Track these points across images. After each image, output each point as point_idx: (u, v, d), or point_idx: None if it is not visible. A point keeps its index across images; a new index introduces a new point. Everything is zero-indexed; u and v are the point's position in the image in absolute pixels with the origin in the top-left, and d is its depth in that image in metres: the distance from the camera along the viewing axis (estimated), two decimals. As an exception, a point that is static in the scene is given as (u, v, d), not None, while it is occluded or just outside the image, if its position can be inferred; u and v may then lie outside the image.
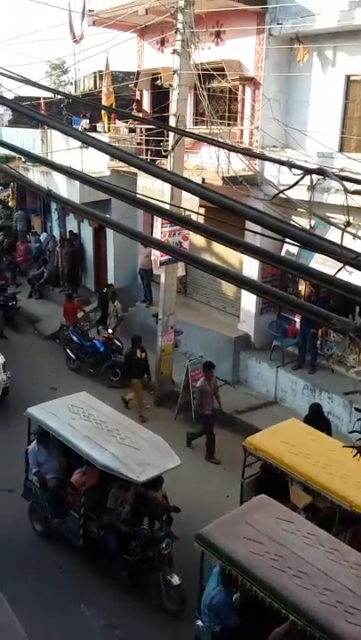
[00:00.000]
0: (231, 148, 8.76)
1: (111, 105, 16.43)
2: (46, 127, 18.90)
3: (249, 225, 3.43)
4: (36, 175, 18.57)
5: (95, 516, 8.22)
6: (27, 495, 9.19)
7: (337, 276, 2.90)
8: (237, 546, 6.05)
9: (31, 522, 9.11)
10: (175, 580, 7.52)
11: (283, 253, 11.76)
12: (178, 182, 3.63)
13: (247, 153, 10.67)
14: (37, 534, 8.99)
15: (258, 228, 3.29)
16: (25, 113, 6.00)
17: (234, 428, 11.94)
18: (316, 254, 9.35)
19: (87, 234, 18.71)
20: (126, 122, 16.13)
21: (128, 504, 8.15)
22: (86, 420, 8.67)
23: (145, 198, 3.96)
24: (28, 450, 9.06)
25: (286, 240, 3.16)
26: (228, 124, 13.03)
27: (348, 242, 3.21)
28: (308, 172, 3.22)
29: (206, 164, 11.92)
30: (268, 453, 8.23)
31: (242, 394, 13.01)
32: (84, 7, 14.35)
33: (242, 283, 3.67)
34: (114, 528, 7.99)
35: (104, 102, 16.15)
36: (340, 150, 11.41)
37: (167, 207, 8.17)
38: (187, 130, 11.60)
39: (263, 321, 13.53)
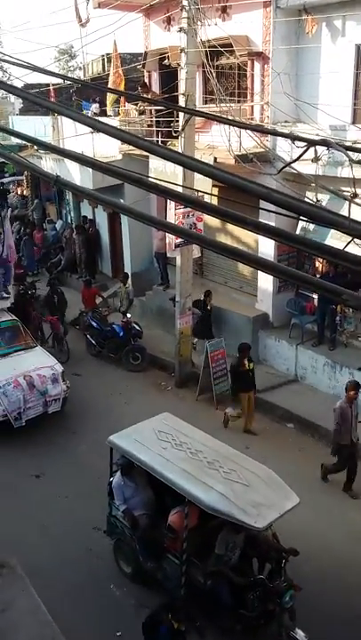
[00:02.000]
0: (239, 125, 8.65)
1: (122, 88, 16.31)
2: (56, 114, 18.85)
3: (263, 203, 3.40)
4: (48, 163, 18.58)
5: (198, 562, 7.17)
6: (111, 532, 8.27)
7: (348, 249, 2.88)
8: None
9: (117, 563, 8.19)
10: (301, 636, 6.57)
11: (298, 230, 11.68)
12: (183, 162, 3.62)
13: (253, 128, 10.54)
14: (126, 576, 8.02)
15: (271, 206, 3.26)
16: (33, 101, 6.00)
17: (256, 406, 11.99)
18: (333, 230, 9.27)
19: (102, 219, 18.72)
20: (136, 104, 16.03)
21: (239, 548, 7.10)
22: (179, 450, 7.57)
23: (155, 181, 3.95)
24: (112, 483, 8.05)
25: (301, 218, 3.14)
26: (239, 101, 12.87)
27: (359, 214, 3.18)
28: (311, 143, 3.19)
29: (218, 143, 11.80)
30: None
31: (262, 373, 12.99)
32: (89, -11, 14.21)
33: (255, 263, 3.65)
34: (224, 577, 6.93)
35: (111, 85, 16.02)
36: (353, 122, 11.21)
37: (179, 189, 8.14)
38: (196, 109, 11.49)
39: (281, 299, 13.46)
